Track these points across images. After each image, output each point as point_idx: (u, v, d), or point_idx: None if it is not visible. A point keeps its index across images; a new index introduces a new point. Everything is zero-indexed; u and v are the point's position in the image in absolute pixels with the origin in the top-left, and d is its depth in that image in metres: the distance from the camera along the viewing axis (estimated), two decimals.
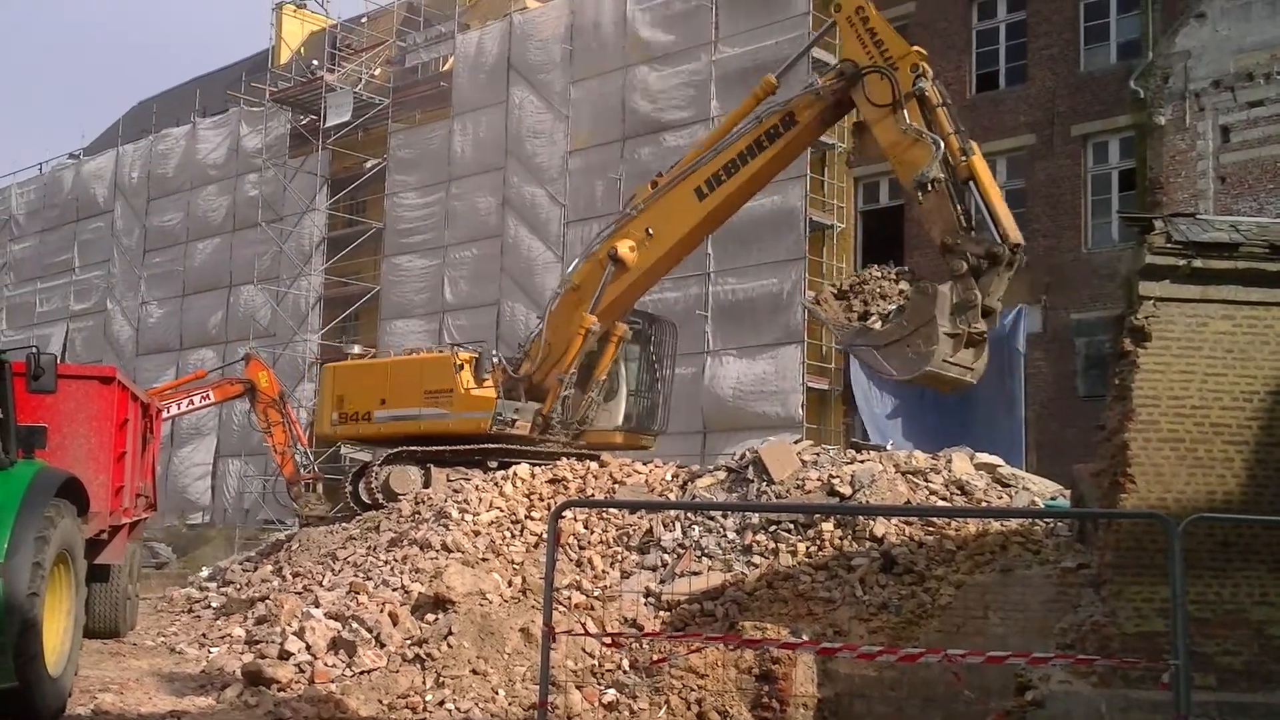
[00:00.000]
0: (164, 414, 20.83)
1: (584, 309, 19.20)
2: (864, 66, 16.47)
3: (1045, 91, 25.98)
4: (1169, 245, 9.59)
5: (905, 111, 15.86)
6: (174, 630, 15.98)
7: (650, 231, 18.73)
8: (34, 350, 10.44)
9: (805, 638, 11.62)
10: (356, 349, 23.24)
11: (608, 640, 11.95)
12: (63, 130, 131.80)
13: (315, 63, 39.49)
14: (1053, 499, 15.22)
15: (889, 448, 17.64)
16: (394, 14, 39.89)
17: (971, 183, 15.38)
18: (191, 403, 22.96)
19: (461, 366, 20.10)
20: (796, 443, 17.96)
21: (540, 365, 19.83)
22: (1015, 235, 15.15)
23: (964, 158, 15.36)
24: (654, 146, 29.79)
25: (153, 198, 42.30)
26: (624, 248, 18.74)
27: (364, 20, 41.41)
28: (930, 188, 15.30)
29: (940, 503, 14.60)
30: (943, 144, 15.41)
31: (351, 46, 40.17)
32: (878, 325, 15.90)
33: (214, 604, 16.93)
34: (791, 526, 14.09)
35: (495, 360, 20.40)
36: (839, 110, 17.74)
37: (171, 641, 15.15)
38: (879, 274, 17.01)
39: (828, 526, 13.81)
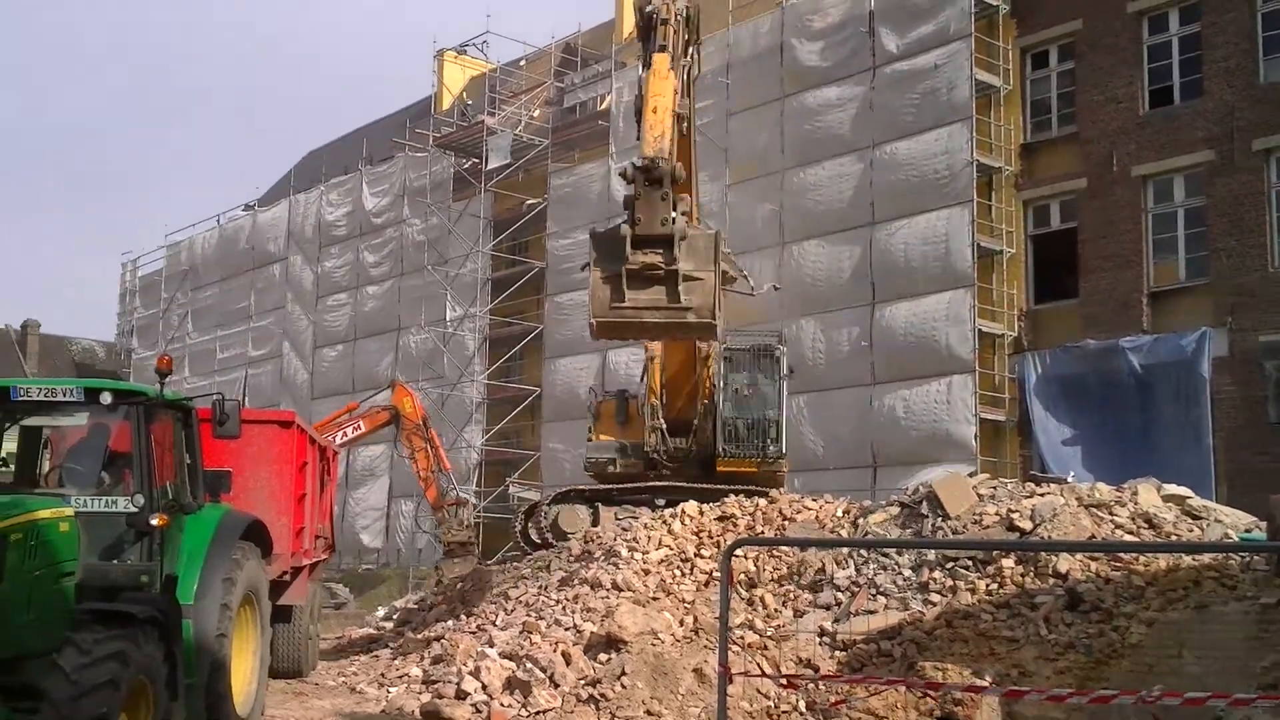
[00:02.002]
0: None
1: None
2: None
3: (1223, 106, 24.97)
4: None
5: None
6: (353, 670, 16.24)
7: None
8: (219, 397, 10.72)
9: (988, 678, 11.23)
10: None
11: (784, 681, 11.71)
12: (238, 184, 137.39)
13: (470, 103, 40.30)
14: (1247, 531, 14.48)
15: (1070, 479, 17.05)
16: (551, 55, 40.51)
17: None
18: (345, 434, 23.28)
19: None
20: (971, 475, 17.49)
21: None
22: (644, 147, 13.26)
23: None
24: (816, 172, 29.56)
25: (324, 245, 43.62)
26: None
27: (522, 63, 42.14)
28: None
29: (1127, 537, 14.00)
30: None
31: (510, 89, 40.88)
32: None
33: (391, 644, 17.16)
34: (970, 563, 13.68)
35: (595, 399, 21.10)
36: None
37: (351, 681, 15.38)
38: None
39: (1008, 563, 13.37)
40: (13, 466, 10.56)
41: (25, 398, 9.88)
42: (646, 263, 13.17)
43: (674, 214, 13.10)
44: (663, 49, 14.55)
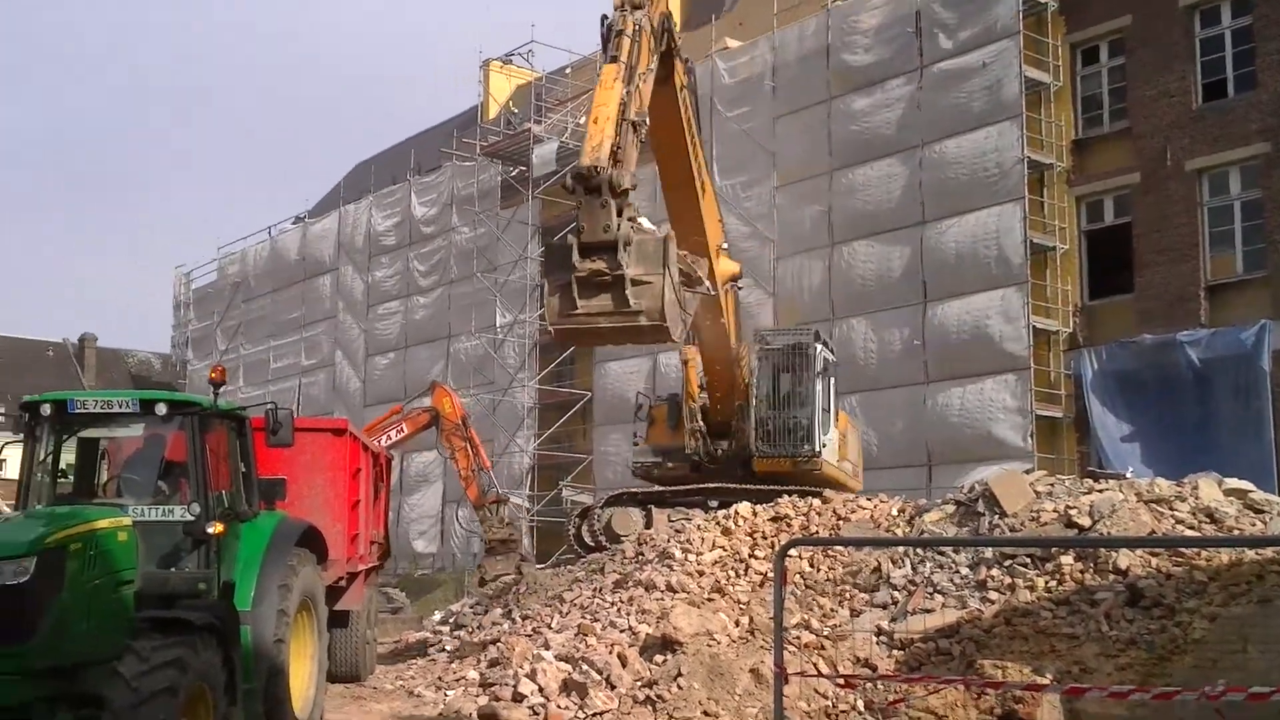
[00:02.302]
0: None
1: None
2: None
3: (1277, 97, 24.60)
4: None
5: None
6: (411, 674, 16.31)
7: None
8: (272, 406, 10.80)
9: (1049, 676, 11.07)
10: None
11: (841, 681, 11.63)
12: (289, 196, 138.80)
13: (516, 111, 40.40)
14: None
15: (1128, 475, 16.82)
16: (596, 63, 40.50)
17: None
18: (389, 437, 23.34)
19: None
20: (1028, 473, 17.30)
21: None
22: (583, 157, 13.59)
23: None
24: (864, 173, 29.43)
25: (374, 254, 43.93)
26: None
27: (568, 71, 42.21)
28: None
29: (1188, 532, 13.78)
30: None
31: (556, 97, 40.97)
32: None
33: (448, 647, 17.22)
34: (1028, 560, 13.51)
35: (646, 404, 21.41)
36: None
37: (409, 685, 15.45)
38: None
39: (1067, 560, 13.19)
40: (71, 478, 10.69)
41: (82, 410, 10.00)
42: (593, 269, 13.50)
43: (617, 220, 13.43)
44: (613, 59, 14.75)
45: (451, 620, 19.31)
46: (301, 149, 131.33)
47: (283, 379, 46.68)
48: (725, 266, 19.98)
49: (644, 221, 15.28)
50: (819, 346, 20.74)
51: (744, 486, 19.31)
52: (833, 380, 21.10)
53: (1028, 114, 27.00)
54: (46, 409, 9.99)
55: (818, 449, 20.08)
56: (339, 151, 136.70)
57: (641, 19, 15.20)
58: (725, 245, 19.77)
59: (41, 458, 10.16)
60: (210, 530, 9.69)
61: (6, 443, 10.47)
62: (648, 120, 14.75)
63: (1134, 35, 26.84)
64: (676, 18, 15.92)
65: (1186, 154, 25.77)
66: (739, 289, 20.37)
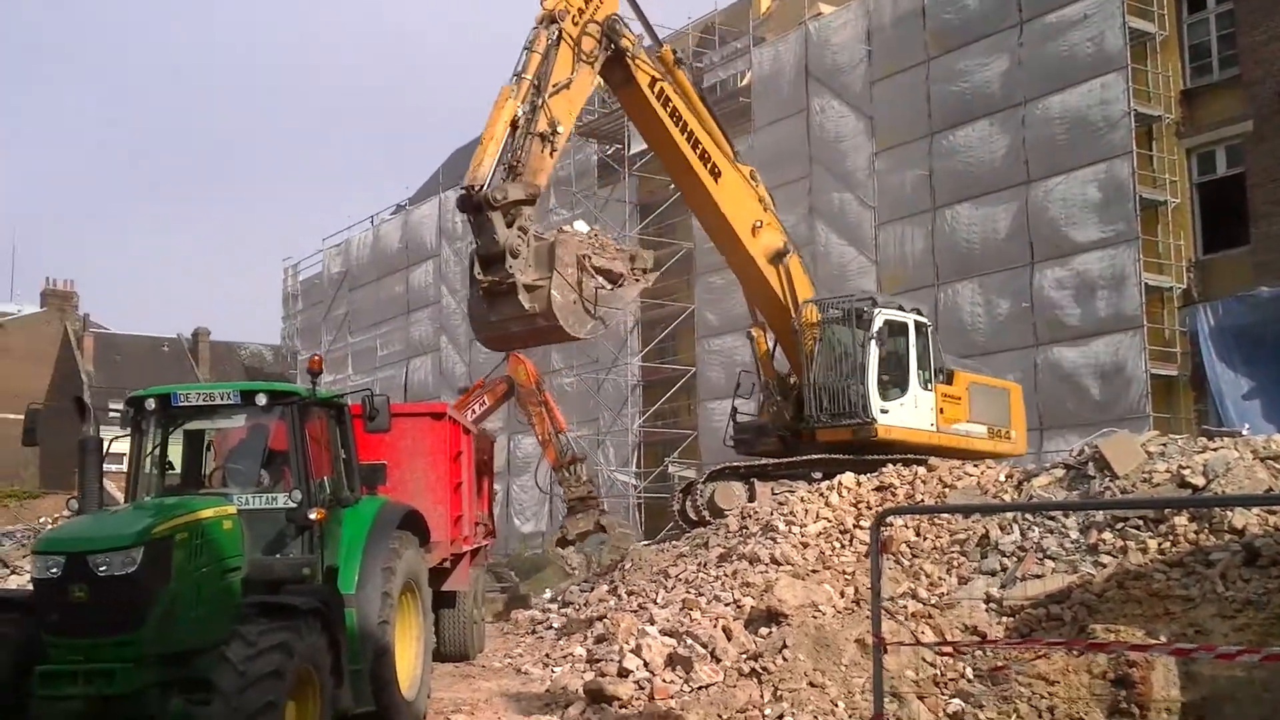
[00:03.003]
0: None
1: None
2: None
3: None
4: None
5: None
6: (519, 652, 16.45)
7: None
8: (368, 393, 10.95)
9: (1163, 639, 10.79)
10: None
11: (947, 650, 11.47)
12: (391, 185, 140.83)
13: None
14: None
15: (1245, 432, 16.31)
16: (689, 36, 40.31)
17: None
18: (473, 411, 23.52)
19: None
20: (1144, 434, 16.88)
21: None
22: (466, 176, 15.20)
23: None
24: (965, 133, 28.89)
25: (463, 234, 44.28)
26: None
27: (665, 45, 42.00)
28: None
29: None
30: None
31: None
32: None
33: (555, 625, 17.35)
34: (1140, 523, 13.17)
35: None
36: None
37: (517, 663, 15.58)
38: None
39: (1180, 520, 12.83)
40: (179, 470, 10.95)
41: (185, 403, 10.24)
42: (492, 280, 14.92)
43: (504, 232, 14.71)
44: (518, 76, 16.02)
45: (560, 598, 19.46)
46: (402, 139, 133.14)
47: (389, 365, 47.33)
48: (767, 242, 20.11)
49: (578, 225, 16.81)
50: (879, 311, 20.20)
51: (847, 457, 19.10)
52: (919, 343, 20.46)
53: (1133, 66, 26.23)
54: (151, 403, 10.26)
55: (873, 416, 19.59)
56: (438, 139, 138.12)
57: (556, 32, 16.35)
58: (760, 223, 20.00)
59: (148, 450, 10.43)
60: (312, 516, 9.87)
61: (115, 437, 10.73)
62: (561, 130, 16.01)
63: None
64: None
65: None
66: (784, 262, 20.51)
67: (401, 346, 47.35)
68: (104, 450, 10.45)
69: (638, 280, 16.85)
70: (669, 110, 18.66)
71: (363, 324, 49.72)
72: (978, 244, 28.59)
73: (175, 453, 10.95)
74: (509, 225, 14.89)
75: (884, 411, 19.69)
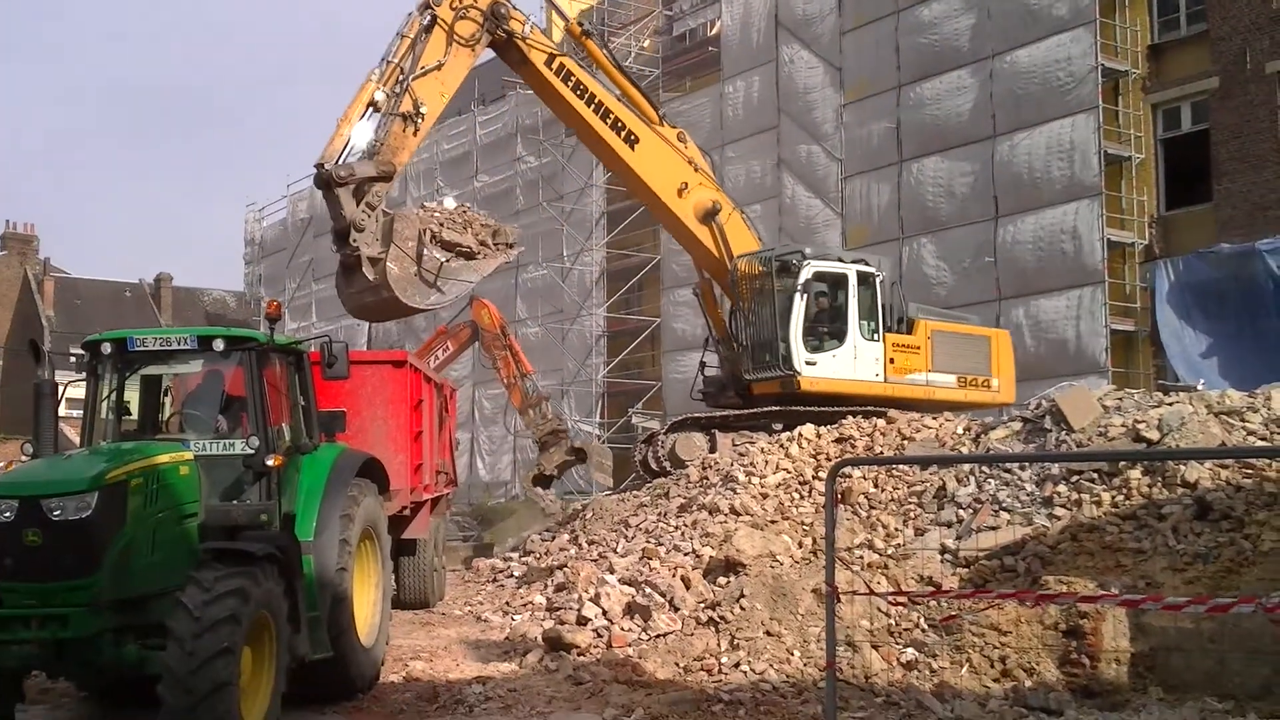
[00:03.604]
0: None
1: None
2: None
3: None
4: None
5: None
6: (480, 599, 16.53)
7: None
8: (326, 339, 10.88)
9: (1115, 591, 10.93)
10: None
11: (901, 599, 11.59)
12: None
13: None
14: None
15: (1200, 387, 16.47)
16: None
17: None
18: (437, 358, 23.54)
19: None
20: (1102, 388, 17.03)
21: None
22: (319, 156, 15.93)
23: None
24: (933, 86, 28.85)
25: (440, 186, 43.98)
26: None
27: None
28: None
29: (1259, 443, 13.46)
30: None
31: (619, 21, 40.55)
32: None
33: (516, 573, 17.43)
34: (1095, 476, 13.29)
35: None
36: None
37: (477, 610, 15.67)
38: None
39: (1134, 474, 12.97)
40: (135, 415, 10.87)
41: (142, 348, 10.12)
42: (342, 254, 15.86)
43: (349, 208, 15.55)
44: (385, 61, 16.70)
45: (521, 547, 19.54)
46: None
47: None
48: (697, 201, 20.34)
49: (446, 201, 18.12)
50: (807, 262, 20.16)
51: (804, 409, 19.19)
52: (863, 293, 20.47)
53: (1101, 19, 26.24)
54: (107, 348, 10.13)
55: (795, 368, 19.70)
56: None
57: (429, 18, 17.00)
58: (687, 184, 20.45)
59: (105, 395, 10.34)
60: (270, 463, 9.79)
61: (70, 381, 10.65)
62: (426, 110, 16.71)
63: None
64: None
65: (1267, 56, 24.90)
66: (716, 220, 20.78)
67: None
68: (59, 395, 10.35)
69: (499, 252, 17.52)
70: (572, 85, 19.17)
71: (327, 271, 48.93)
72: (943, 198, 28.65)
73: (133, 398, 10.87)
74: (358, 202, 15.74)
75: (810, 364, 19.80)
